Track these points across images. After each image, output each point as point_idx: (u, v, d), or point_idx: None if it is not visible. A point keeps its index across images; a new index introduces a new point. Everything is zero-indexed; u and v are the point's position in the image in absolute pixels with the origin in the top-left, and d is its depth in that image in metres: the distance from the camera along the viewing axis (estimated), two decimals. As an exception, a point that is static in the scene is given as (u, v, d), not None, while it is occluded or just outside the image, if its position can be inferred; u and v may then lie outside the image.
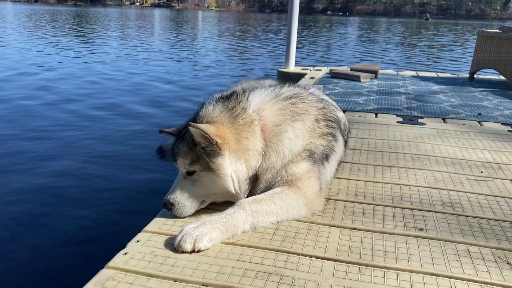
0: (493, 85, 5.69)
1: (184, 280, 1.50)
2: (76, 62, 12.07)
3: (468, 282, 1.52)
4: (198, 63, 13.17)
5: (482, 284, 1.51)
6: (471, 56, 6.65)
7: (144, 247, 1.70)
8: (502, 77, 5.81)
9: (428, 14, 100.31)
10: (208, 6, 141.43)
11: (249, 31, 33.52)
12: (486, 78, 6.43)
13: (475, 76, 6.28)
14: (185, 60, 13.84)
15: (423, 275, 1.55)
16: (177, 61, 13.52)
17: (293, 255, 1.66)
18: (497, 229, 1.89)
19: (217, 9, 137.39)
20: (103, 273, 1.53)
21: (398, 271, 1.57)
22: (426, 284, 1.50)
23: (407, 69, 9.84)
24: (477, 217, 2.01)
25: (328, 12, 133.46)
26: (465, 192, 2.29)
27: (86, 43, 17.88)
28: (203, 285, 1.47)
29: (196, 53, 15.83)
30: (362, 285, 1.48)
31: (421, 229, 1.88)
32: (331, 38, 28.52)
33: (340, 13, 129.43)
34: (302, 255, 1.66)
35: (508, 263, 1.64)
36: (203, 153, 1.85)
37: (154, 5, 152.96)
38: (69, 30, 24.36)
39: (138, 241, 1.75)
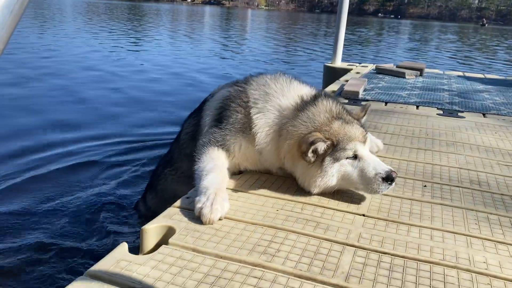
0: (542, 88, 5.63)
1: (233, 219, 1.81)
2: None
3: (483, 240, 1.72)
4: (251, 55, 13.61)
5: (496, 243, 1.71)
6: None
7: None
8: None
9: (484, 19, 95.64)
10: (257, 5, 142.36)
11: (299, 29, 33.73)
12: (536, 82, 6.34)
13: (525, 78, 6.22)
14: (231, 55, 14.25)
15: (443, 231, 1.77)
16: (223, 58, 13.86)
17: (329, 209, 1.92)
18: (519, 204, 2.07)
19: (267, 8, 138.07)
20: (169, 210, 1.85)
21: (420, 227, 1.79)
22: (445, 239, 1.72)
23: (455, 71, 9.76)
24: (502, 194, 2.18)
25: (379, 14, 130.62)
26: (494, 174, 2.45)
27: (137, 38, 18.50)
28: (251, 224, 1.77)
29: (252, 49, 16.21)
30: (387, 235, 1.72)
31: (425, 186, 2.21)
32: (381, 39, 28.20)
33: (392, 16, 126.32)
34: (337, 209, 1.92)
35: (524, 229, 1.82)
36: None
37: (205, 2, 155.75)
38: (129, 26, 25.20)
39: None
